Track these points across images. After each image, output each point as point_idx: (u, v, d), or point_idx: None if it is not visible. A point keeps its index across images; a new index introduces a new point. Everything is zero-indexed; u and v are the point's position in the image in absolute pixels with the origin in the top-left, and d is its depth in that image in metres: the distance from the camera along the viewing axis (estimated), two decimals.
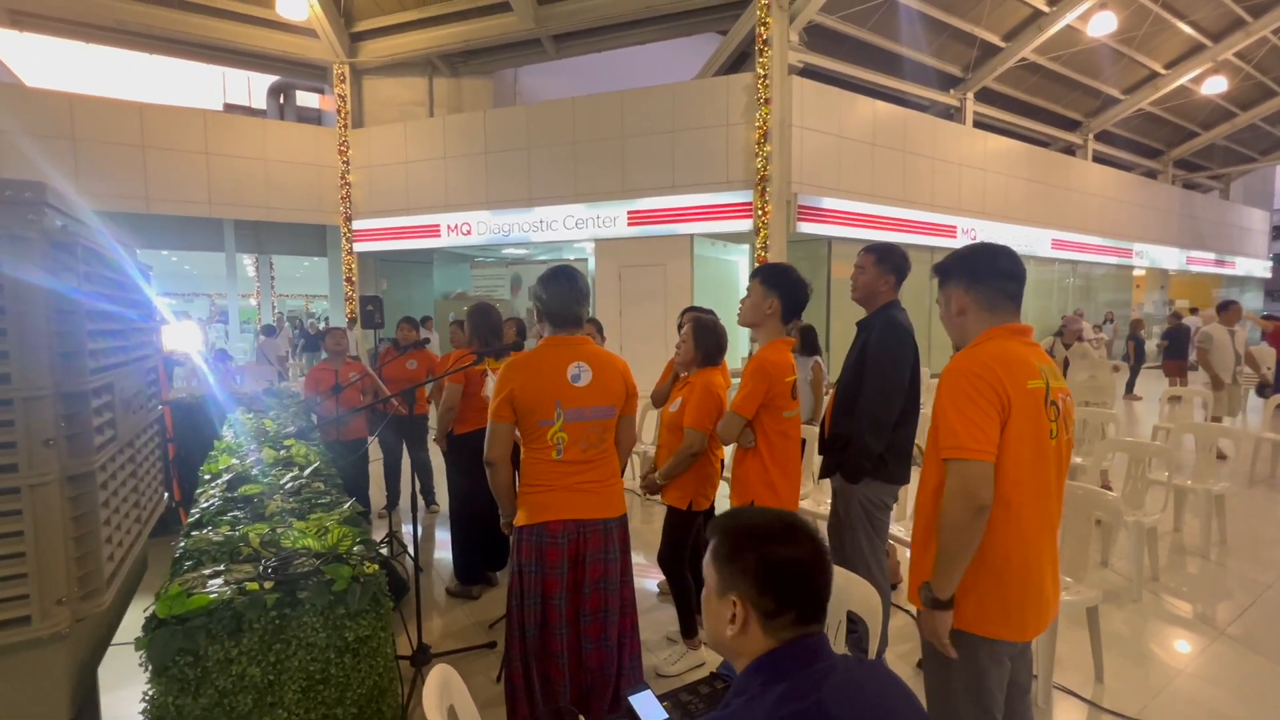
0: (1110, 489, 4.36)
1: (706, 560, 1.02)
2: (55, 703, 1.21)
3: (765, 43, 9.32)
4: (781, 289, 2.43)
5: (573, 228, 10.81)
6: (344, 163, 12.43)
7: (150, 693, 1.31)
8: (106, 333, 1.44)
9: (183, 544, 1.68)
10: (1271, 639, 3.06)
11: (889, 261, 2.56)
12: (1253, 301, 23.29)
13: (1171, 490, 4.11)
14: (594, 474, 2.12)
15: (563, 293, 2.11)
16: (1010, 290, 1.55)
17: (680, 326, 3.17)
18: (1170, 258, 17.81)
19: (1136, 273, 17.85)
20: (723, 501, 3.84)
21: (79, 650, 1.31)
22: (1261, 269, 22.56)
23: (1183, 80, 14.52)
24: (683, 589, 2.84)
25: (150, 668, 1.28)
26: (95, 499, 1.26)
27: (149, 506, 1.71)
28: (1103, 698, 2.60)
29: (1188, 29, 13.05)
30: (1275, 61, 15.12)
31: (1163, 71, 14.45)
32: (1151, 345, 13.93)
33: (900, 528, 3.30)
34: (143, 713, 1.31)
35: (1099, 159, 16.48)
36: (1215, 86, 14.19)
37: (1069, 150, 15.98)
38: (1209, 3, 12.41)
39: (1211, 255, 19.36)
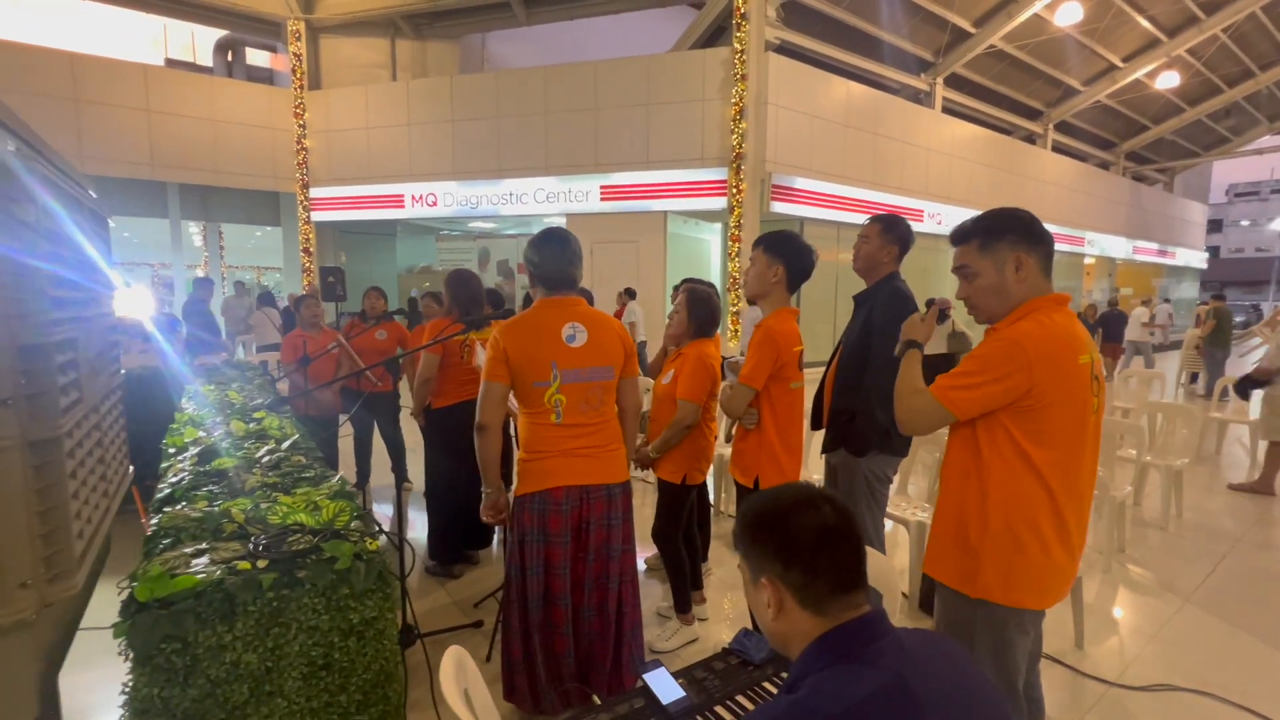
0: None
1: (739, 553, 1.01)
2: (20, 699, 1.07)
3: (743, 17, 9.17)
4: (786, 256, 2.38)
5: (543, 201, 10.52)
6: (300, 126, 11.77)
7: (131, 683, 1.17)
8: (66, 282, 1.26)
9: (155, 520, 1.52)
10: (1232, 604, 3.23)
11: (894, 232, 2.52)
12: (1189, 291, 24.59)
13: (1136, 466, 4.28)
14: (595, 438, 2.09)
15: (555, 254, 2.09)
16: (1052, 257, 1.52)
17: (674, 298, 3.07)
18: (1118, 247, 18.55)
19: (1087, 260, 18.55)
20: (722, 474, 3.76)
21: (46, 640, 1.16)
22: (1199, 260, 23.78)
23: (1139, 74, 15.00)
24: (676, 564, 2.79)
25: (131, 656, 1.14)
26: (62, 468, 1.10)
27: (115, 480, 1.54)
28: (1083, 663, 2.69)
29: (1145, 23, 13.45)
30: (1223, 59, 15.76)
31: (1120, 64, 14.89)
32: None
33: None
34: (124, 705, 1.16)
35: (1057, 149, 16.96)
36: (1168, 81, 14.73)
37: (1030, 139, 16.38)
38: None
39: (1155, 245, 20.27)
